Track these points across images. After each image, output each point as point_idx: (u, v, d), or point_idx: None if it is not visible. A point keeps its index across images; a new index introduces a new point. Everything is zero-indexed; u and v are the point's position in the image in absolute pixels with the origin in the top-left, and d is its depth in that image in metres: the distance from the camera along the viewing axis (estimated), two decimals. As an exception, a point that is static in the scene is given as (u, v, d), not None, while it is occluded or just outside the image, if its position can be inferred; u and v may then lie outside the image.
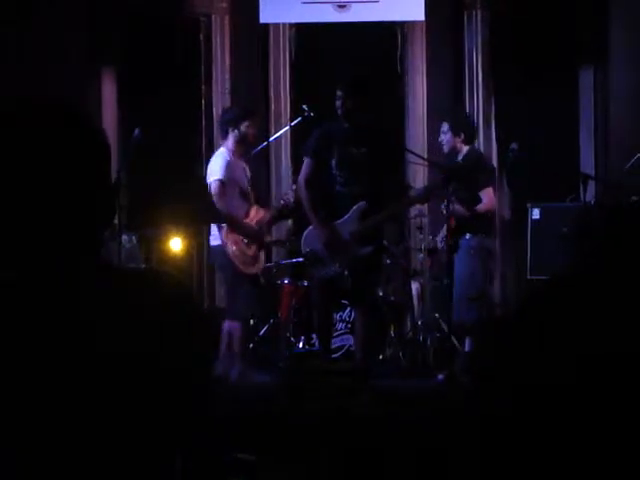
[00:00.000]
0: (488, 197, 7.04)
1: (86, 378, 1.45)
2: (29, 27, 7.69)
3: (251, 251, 6.96)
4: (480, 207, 6.99)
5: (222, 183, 6.78)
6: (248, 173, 7.06)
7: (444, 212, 6.64)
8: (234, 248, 6.85)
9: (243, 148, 7.02)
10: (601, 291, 1.67)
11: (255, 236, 6.97)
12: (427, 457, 4.37)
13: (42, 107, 1.53)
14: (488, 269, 7.15)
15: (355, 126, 6.28)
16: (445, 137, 7.24)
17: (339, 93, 6.25)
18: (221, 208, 6.79)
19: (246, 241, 6.93)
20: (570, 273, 1.78)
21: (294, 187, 7.08)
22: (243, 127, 6.91)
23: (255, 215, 7.02)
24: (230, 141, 6.94)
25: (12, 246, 1.48)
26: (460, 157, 7.20)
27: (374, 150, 6.28)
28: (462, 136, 7.20)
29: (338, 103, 6.27)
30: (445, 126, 7.26)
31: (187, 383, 1.52)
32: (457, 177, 6.54)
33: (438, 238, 7.46)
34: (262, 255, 7.11)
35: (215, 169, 6.87)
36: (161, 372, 1.48)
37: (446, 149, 7.28)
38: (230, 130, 6.93)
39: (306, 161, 6.46)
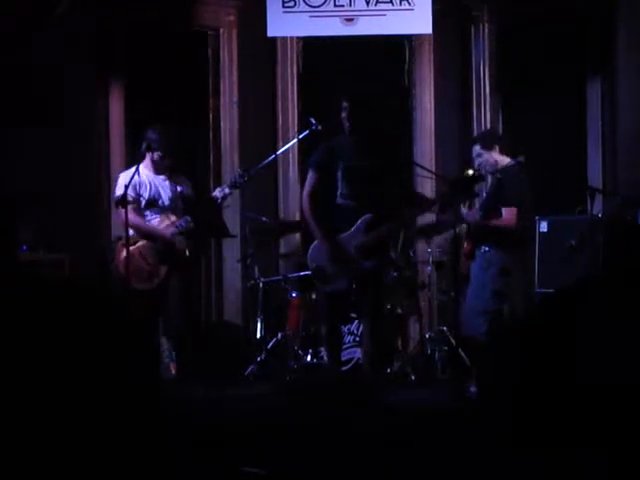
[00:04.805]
0: (509, 215, 6.67)
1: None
2: (36, 41, 7.72)
3: (148, 267, 7.04)
4: (496, 221, 6.69)
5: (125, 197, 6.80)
6: (174, 187, 7.22)
7: (460, 216, 6.54)
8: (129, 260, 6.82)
9: (160, 167, 7.21)
10: (607, 303, 1.67)
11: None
12: (433, 470, 4.36)
13: None
14: (499, 285, 6.68)
15: (360, 139, 6.30)
16: (481, 159, 6.86)
17: (344, 105, 6.28)
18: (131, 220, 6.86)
19: (144, 255, 7.03)
20: (577, 286, 1.78)
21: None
22: (156, 155, 7.15)
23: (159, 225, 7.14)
24: (147, 159, 7.18)
25: None
26: (499, 170, 6.85)
27: (379, 163, 6.29)
28: (496, 148, 6.87)
29: (343, 115, 6.30)
30: (476, 148, 6.90)
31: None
32: (461, 189, 6.49)
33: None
34: (162, 271, 7.08)
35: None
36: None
37: (489, 169, 6.86)
38: (145, 150, 7.14)
39: (310, 175, 6.46)
